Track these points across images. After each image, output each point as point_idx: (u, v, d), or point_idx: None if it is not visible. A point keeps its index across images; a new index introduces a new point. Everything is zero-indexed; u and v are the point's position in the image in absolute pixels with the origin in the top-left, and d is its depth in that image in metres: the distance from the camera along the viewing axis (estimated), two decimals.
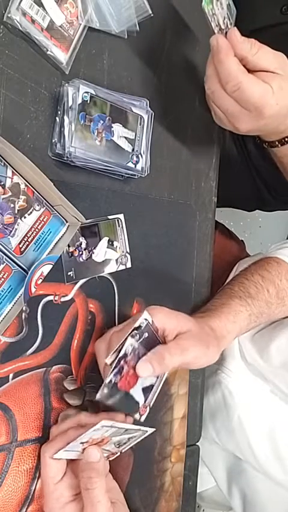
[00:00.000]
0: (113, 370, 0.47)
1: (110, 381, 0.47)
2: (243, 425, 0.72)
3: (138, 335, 0.50)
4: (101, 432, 0.48)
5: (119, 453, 0.53)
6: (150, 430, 0.52)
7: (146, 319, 0.51)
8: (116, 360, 0.48)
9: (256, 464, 0.71)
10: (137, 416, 0.51)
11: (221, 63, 0.54)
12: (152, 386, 0.52)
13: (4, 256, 0.48)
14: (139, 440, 0.53)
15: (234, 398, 0.73)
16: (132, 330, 0.50)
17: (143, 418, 0.52)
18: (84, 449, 0.49)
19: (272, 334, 0.72)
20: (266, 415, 0.70)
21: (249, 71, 0.55)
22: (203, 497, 0.87)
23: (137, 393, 0.50)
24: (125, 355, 0.48)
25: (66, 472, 0.51)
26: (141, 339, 0.51)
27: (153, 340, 0.52)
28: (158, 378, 0.53)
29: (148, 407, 0.52)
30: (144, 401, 0.51)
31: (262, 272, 0.68)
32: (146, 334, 0.51)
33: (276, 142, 0.67)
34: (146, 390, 0.51)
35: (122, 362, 0.48)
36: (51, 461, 0.50)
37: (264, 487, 0.73)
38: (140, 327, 0.51)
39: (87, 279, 0.57)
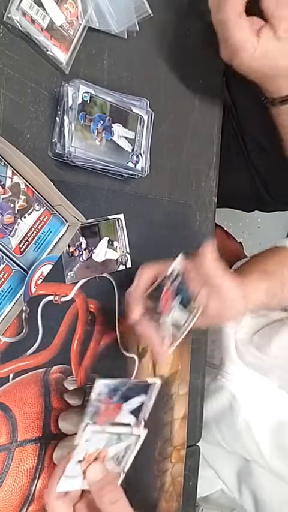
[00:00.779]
0: (87, 413, 0.45)
1: (86, 424, 0.46)
2: (250, 426, 0.72)
3: (171, 280, 0.50)
4: (94, 443, 0.46)
5: (123, 474, 0.51)
6: (143, 433, 0.50)
7: (179, 265, 0.51)
8: (90, 402, 0.46)
9: (264, 463, 0.71)
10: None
11: None
12: (141, 405, 0.49)
13: (4, 256, 0.48)
14: (136, 449, 0.50)
15: (238, 401, 0.73)
16: (165, 277, 0.50)
17: (139, 432, 0.50)
18: (84, 472, 0.47)
19: (271, 333, 0.72)
20: (273, 413, 0.70)
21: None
22: (209, 500, 0.87)
23: (124, 417, 0.48)
24: (99, 394, 0.46)
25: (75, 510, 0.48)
26: (173, 285, 0.51)
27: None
28: (147, 395, 0.50)
29: (142, 422, 0.50)
30: (137, 420, 0.49)
31: (275, 256, 0.67)
32: (180, 279, 0.51)
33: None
34: (135, 411, 0.49)
35: (95, 403, 0.46)
36: (57, 503, 0.47)
37: (273, 485, 0.73)
38: (171, 273, 0.51)
39: (87, 279, 0.57)
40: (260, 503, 0.74)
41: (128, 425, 0.49)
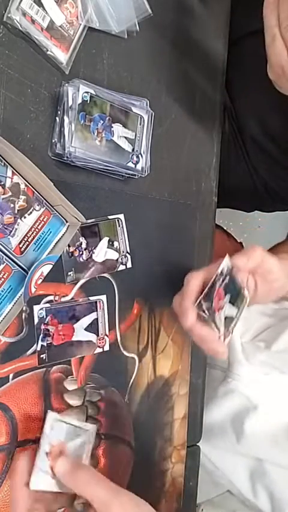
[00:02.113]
0: (38, 337, 0.52)
1: (42, 345, 0.51)
2: (265, 424, 0.72)
3: (221, 279, 0.53)
4: (56, 433, 0.50)
5: None
6: (93, 427, 0.52)
7: (227, 265, 0.53)
8: (35, 327, 0.52)
9: (282, 459, 0.71)
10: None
11: None
12: (96, 321, 0.56)
13: (4, 256, 0.48)
14: (91, 445, 0.52)
15: (252, 401, 0.73)
16: (217, 276, 0.52)
17: (90, 428, 0.53)
18: (52, 468, 0.48)
19: (279, 330, 0.73)
20: (286, 409, 0.71)
21: None
22: (214, 502, 0.86)
23: (81, 335, 0.54)
24: (41, 318, 0.52)
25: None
26: (223, 284, 0.53)
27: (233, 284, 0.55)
28: (97, 311, 0.57)
29: (105, 338, 0.57)
30: (97, 336, 0.56)
31: None
32: (228, 278, 0.54)
33: None
34: (90, 328, 0.55)
35: (42, 326, 0.52)
36: (22, 492, 0.46)
37: None
38: (221, 273, 0.53)
39: (87, 279, 0.57)
40: (276, 501, 0.73)
41: (91, 342, 0.55)
